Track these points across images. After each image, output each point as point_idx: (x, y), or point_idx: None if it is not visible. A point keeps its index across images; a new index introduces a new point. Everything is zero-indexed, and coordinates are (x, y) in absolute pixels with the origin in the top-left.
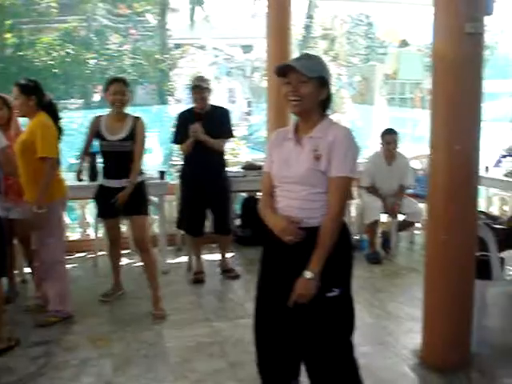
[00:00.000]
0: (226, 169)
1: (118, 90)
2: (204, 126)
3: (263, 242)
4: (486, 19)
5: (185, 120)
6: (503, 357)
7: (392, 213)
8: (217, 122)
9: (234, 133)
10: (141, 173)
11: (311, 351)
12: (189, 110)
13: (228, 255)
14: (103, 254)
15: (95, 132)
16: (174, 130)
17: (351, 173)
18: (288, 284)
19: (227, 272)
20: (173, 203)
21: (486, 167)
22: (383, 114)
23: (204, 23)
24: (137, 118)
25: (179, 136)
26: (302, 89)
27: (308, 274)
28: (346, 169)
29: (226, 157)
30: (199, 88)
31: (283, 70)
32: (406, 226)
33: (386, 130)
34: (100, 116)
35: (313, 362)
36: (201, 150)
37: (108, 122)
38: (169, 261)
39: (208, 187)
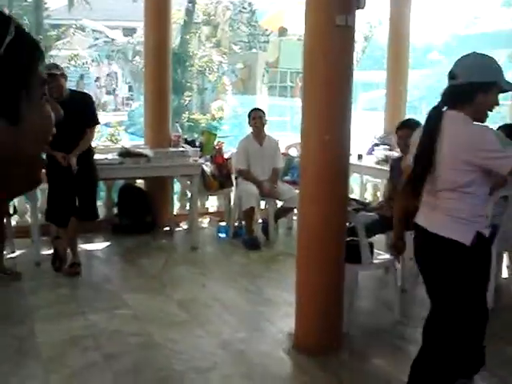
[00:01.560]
0: (94, 156)
1: None
2: (64, 115)
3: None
4: (362, 12)
5: None
6: (373, 337)
7: (269, 196)
8: (78, 110)
9: (99, 119)
10: None
11: None
12: None
13: (91, 246)
14: None
15: None
16: None
17: None
18: None
19: (72, 265)
20: (46, 192)
21: (359, 155)
22: (264, 102)
23: (83, 4)
24: None
25: None
26: None
27: None
28: None
29: (92, 144)
30: (53, 76)
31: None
32: (284, 212)
33: (253, 108)
34: None
35: None
36: (63, 139)
37: None
38: (43, 252)
39: (73, 176)
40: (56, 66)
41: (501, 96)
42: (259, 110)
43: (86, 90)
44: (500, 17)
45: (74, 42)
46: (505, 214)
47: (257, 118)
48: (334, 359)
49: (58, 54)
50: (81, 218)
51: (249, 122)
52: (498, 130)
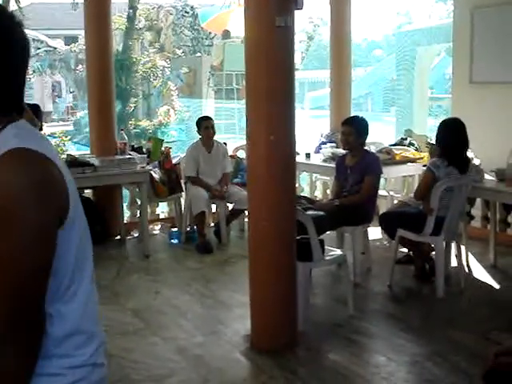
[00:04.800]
0: None
1: None
2: None
3: None
4: (305, 12)
5: None
6: (328, 333)
7: (219, 198)
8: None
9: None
10: None
11: None
12: None
13: None
14: None
15: None
16: None
17: None
18: None
19: None
20: None
21: (307, 154)
22: (211, 105)
23: (20, 14)
24: None
25: None
26: None
27: None
28: None
29: None
30: None
31: None
32: (235, 214)
33: (203, 116)
34: None
35: None
36: None
37: None
38: None
39: None
40: None
41: (442, 89)
42: (209, 118)
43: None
44: (437, 12)
45: None
46: (451, 206)
47: (210, 127)
48: (291, 357)
49: None
50: None
51: (198, 131)
52: (440, 125)
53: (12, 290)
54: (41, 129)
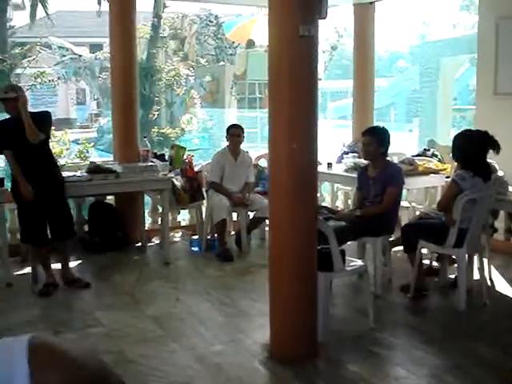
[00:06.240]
0: (60, 171)
1: None
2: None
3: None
4: (328, 21)
5: (4, 128)
6: (348, 344)
7: (239, 204)
8: (37, 126)
9: (50, 134)
10: None
11: None
12: (9, 120)
13: (71, 264)
14: None
15: None
16: None
17: None
18: None
19: (74, 282)
20: (14, 211)
21: (329, 163)
22: (233, 114)
23: (48, 21)
24: None
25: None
26: None
27: None
28: None
29: (62, 161)
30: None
31: None
32: (256, 222)
33: (232, 124)
34: None
35: None
36: (28, 158)
37: None
38: (13, 273)
39: (41, 193)
40: (12, 89)
41: (466, 100)
42: (239, 126)
43: (52, 108)
44: (462, 22)
45: (40, 59)
46: (473, 218)
47: (238, 135)
48: (311, 368)
49: (24, 72)
50: (58, 238)
51: (227, 138)
52: (456, 136)
53: None
54: (48, 136)
